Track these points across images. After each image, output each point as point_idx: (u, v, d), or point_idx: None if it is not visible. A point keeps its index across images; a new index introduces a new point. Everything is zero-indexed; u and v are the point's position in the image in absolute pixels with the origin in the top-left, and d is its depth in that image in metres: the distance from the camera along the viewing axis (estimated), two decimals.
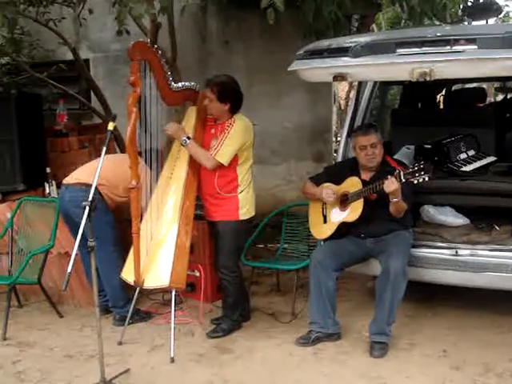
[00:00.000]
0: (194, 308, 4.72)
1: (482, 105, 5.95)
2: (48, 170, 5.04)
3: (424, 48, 3.40)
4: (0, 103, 4.89)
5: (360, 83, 4.71)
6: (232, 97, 4.09)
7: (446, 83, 6.31)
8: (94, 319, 4.57)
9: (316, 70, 3.61)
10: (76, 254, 3.30)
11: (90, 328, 4.50)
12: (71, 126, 5.48)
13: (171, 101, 4.10)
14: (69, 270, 3.21)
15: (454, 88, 6.77)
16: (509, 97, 7.26)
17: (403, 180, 3.70)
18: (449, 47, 3.35)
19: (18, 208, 4.83)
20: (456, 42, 3.33)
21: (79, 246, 4.57)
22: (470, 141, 4.95)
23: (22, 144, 4.87)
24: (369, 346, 3.93)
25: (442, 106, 6.79)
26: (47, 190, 4.97)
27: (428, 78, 3.24)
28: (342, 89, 10.51)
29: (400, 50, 3.44)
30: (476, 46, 3.30)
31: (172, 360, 3.89)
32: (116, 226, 4.47)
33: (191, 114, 4.27)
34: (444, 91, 6.69)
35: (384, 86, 6.53)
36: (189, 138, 4.05)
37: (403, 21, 6.54)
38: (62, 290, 3.28)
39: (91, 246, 3.35)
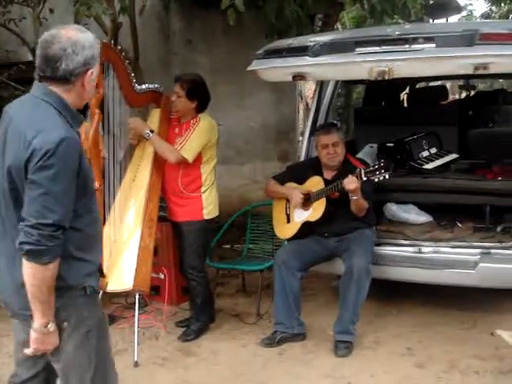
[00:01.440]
0: (159, 311, 4.66)
1: (444, 103, 6.00)
2: None
3: (383, 47, 3.41)
4: None
5: (322, 82, 4.71)
6: (201, 95, 4.07)
7: (410, 81, 6.36)
8: None
9: (275, 70, 3.60)
10: None
11: None
12: None
13: (135, 102, 4.04)
14: None
15: (417, 86, 6.82)
16: (471, 94, 7.34)
17: (364, 178, 3.72)
18: (407, 46, 3.37)
19: None
20: (414, 40, 3.35)
21: None
22: (433, 139, 4.99)
23: None
24: (333, 345, 3.94)
25: (405, 105, 6.84)
26: None
27: (386, 77, 3.25)
28: (309, 88, 10.52)
29: (359, 49, 3.45)
30: (434, 45, 3.32)
31: (136, 364, 3.84)
32: None
33: (155, 116, 4.21)
34: (408, 89, 6.73)
35: (348, 85, 6.58)
36: (152, 131, 4.00)
37: (368, 20, 6.56)
38: None
39: None
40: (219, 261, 5.27)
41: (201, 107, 4.11)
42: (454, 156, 4.92)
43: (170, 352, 4.04)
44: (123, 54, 3.88)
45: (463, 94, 9.42)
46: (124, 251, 3.97)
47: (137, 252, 3.91)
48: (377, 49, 3.42)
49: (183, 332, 4.25)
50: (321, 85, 4.72)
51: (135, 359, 3.85)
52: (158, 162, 4.12)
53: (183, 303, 4.77)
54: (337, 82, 4.79)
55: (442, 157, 4.90)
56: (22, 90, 5.65)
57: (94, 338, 2.20)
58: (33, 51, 5.44)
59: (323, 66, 3.50)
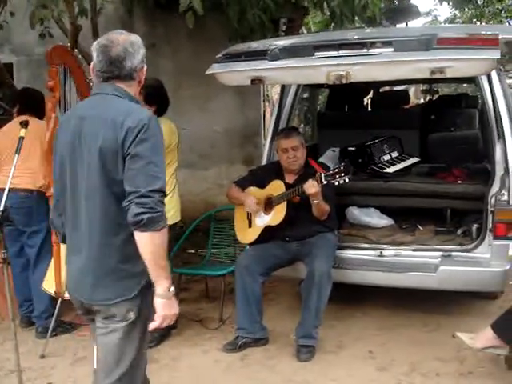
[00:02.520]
0: None
1: (407, 107, 6.05)
2: None
3: (341, 51, 3.41)
4: None
5: (283, 87, 4.71)
6: (158, 100, 4.02)
7: (373, 86, 6.40)
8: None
9: (233, 74, 3.58)
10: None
11: (12, 341, 4.32)
12: None
13: None
14: None
15: (380, 90, 6.87)
16: (434, 99, 7.42)
17: (324, 182, 3.72)
18: (365, 50, 3.37)
19: None
20: (372, 44, 3.35)
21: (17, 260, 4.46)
22: (394, 143, 5.03)
23: None
24: (296, 349, 3.93)
25: (369, 109, 6.88)
26: None
27: (344, 81, 3.24)
28: (275, 91, 10.54)
29: (318, 53, 3.44)
30: (392, 49, 3.32)
31: (95, 372, 3.78)
32: None
33: None
34: (371, 94, 6.77)
35: (313, 89, 6.59)
36: None
37: (331, 24, 6.59)
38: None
39: (3, 258, 3.22)
40: (183, 266, 5.22)
41: (160, 112, 4.05)
42: (415, 160, 4.96)
43: None
44: (79, 56, 3.84)
45: (428, 99, 9.54)
46: None
47: None
48: (335, 53, 3.41)
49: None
50: (282, 89, 4.72)
51: (95, 367, 3.79)
52: None
53: None
54: (298, 86, 4.78)
55: (404, 160, 4.94)
56: None
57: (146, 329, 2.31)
58: None
59: (281, 70, 3.48)
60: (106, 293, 2.23)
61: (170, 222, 4.00)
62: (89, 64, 3.89)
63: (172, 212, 4.08)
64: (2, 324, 4.67)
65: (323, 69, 3.29)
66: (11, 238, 4.18)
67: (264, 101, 7.88)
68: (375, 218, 4.56)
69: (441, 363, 3.78)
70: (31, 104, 4.43)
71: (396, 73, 3.43)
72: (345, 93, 5.69)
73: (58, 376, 3.76)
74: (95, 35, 5.58)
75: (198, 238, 5.62)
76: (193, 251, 5.92)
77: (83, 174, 2.21)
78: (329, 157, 4.96)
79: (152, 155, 2.12)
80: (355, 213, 4.58)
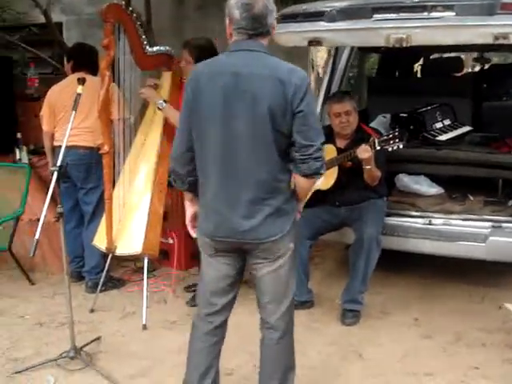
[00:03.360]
0: (167, 275, 4.69)
1: (459, 74, 5.92)
2: (19, 135, 4.92)
3: (401, 14, 3.35)
4: None
5: (336, 51, 4.65)
6: None
7: (424, 52, 6.27)
8: (65, 286, 4.61)
9: (291, 35, 3.54)
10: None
11: (62, 295, 4.41)
12: (43, 91, 5.33)
13: (145, 65, 3.98)
14: (36, 236, 3.16)
15: (431, 57, 6.73)
16: (486, 67, 7.23)
17: (377, 147, 3.69)
18: (426, 13, 3.30)
19: None
20: (433, 8, 3.28)
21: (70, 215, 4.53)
22: (446, 110, 4.93)
23: None
24: (341, 314, 3.95)
25: (419, 75, 6.75)
26: (17, 156, 4.86)
27: (404, 44, 3.19)
28: (320, 56, 10.36)
29: (376, 16, 3.39)
30: (454, 13, 3.24)
31: (144, 327, 3.87)
32: None
33: (165, 80, 4.17)
34: (421, 60, 6.63)
35: (362, 54, 6.49)
36: (165, 101, 3.97)
37: None
38: (29, 256, 3.20)
39: (60, 213, 3.29)
40: None
41: None
42: (467, 128, 4.87)
43: (178, 316, 4.07)
44: (134, 15, 3.83)
45: (477, 68, 9.30)
46: (133, 215, 3.99)
47: (146, 216, 3.93)
48: (394, 16, 3.36)
49: (192, 297, 4.26)
50: (335, 53, 4.66)
51: (143, 322, 3.88)
52: (169, 128, 4.08)
53: (191, 268, 4.79)
54: (351, 50, 4.72)
55: (456, 129, 4.86)
56: (34, 53, 5.63)
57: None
58: (45, 13, 5.38)
59: (340, 32, 3.44)
60: (270, 230, 2.45)
61: None
62: (140, 24, 3.93)
63: None
64: (51, 278, 4.81)
65: (383, 31, 3.24)
66: (66, 194, 4.28)
67: (312, 66, 7.77)
68: (425, 186, 4.51)
69: (486, 334, 3.76)
70: (87, 60, 4.44)
71: (458, 37, 3.36)
72: (396, 59, 5.59)
73: (106, 330, 3.85)
74: None
75: None
76: None
77: (243, 127, 2.35)
78: (379, 123, 4.90)
79: (314, 110, 2.43)
80: (405, 180, 4.54)
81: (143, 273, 4.73)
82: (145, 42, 3.92)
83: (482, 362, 3.42)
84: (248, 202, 2.43)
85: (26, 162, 4.83)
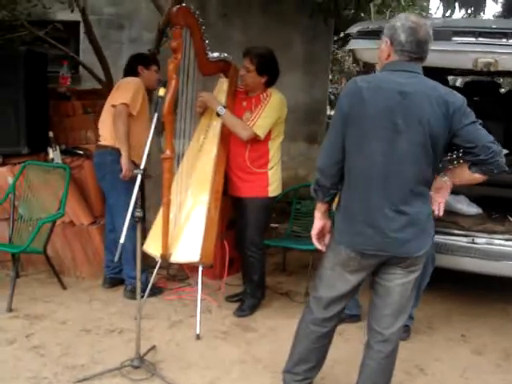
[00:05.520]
0: (205, 285, 4.60)
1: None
2: (51, 134, 4.77)
3: (480, 39, 3.41)
4: (7, 60, 4.54)
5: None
6: (271, 70, 4.01)
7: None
8: (100, 292, 4.51)
9: (374, 51, 3.55)
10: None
11: (98, 301, 4.35)
12: (72, 90, 5.20)
13: (207, 70, 3.96)
14: (121, 240, 3.08)
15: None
16: None
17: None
18: (505, 40, 3.37)
19: (21, 173, 4.56)
20: None
21: (107, 217, 4.43)
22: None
23: (28, 105, 4.56)
24: None
25: None
26: (50, 155, 4.69)
27: (492, 69, 3.26)
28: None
29: (456, 39, 3.44)
30: None
31: (198, 337, 3.80)
32: None
33: (222, 86, 4.14)
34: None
35: None
36: (225, 107, 3.94)
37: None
38: (114, 261, 3.11)
39: (139, 217, 3.20)
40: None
41: (270, 82, 4.06)
42: (504, 151, 4.97)
43: (228, 326, 4.02)
44: (200, 19, 3.79)
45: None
46: (190, 223, 3.91)
47: (204, 224, 3.87)
48: (474, 40, 3.42)
49: (238, 307, 4.22)
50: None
51: (197, 332, 3.81)
52: (225, 135, 4.05)
53: (226, 277, 4.73)
54: None
55: None
56: (60, 49, 5.48)
57: None
58: (82, 10, 5.24)
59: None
60: (419, 246, 2.59)
61: (274, 193, 4.09)
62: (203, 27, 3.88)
63: (276, 184, 4.11)
64: (82, 283, 4.68)
65: (472, 55, 3.29)
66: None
67: (331, 81, 7.85)
68: (465, 206, 4.59)
69: None
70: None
71: None
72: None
73: (158, 338, 3.76)
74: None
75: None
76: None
77: (404, 143, 2.45)
78: None
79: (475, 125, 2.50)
80: (449, 200, 4.59)
81: (178, 280, 4.70)
82: (208, 48, 3.90)
83: None
84: (402, 216, 2.52)
85: (60, 161, 4.68)
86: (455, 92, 2.51)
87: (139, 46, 6.50)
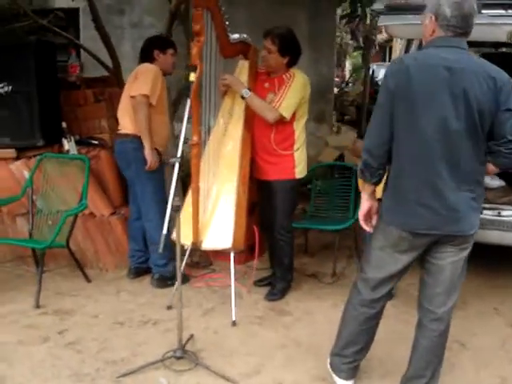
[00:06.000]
0: (227, 270, 4.56)
1: None
2: (64, 124, 4.66)
3: (510, 11, 3.37)
4: (17, 51, 4.41)
5: (408, 42, 4.62)
6: (293, 50, 3.94)
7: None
8: (126, 283, 4.45)
9: (407, 27, 3.51)
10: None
11: (126, 292, 4.29)
12: (81, 79, 5.08)
13: (228, 53, 3.89)
14: (164, 231, 3.01)
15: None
16: None
17: None
18: None
19: (38, 166, 4.46)
20: None
21: (131, 206, 4.35)
22: None
23: (40, 96, 4.44)
24: None
25: None
26: (66, 147, 4.59)
27: None
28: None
29: (485, 11, 3.39)
30: None
31: (234, 323, 3.76)
32: None
33: (243, 68, 4.07)
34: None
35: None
36: (249, 89, 3.86)
37: None
38: (158, 252, 3.04)
39: (177, 206, 3.14)
40: None
41: (292, 62, 3.98)
42: None
43: (262, 311, 3.98)
44: (220, 3, 3.71)
45: None
46: (220, 208, 3.85)
47: (234, 210, 3.81)
48: (503, 12, 3.38)
49: (269, 291, 4.18)
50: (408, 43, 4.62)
51: (233, 319, 3.77)
52: (249, 118, 3.98)
53: (249, 262, 4.70)
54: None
55: None
56: (65, 37, 5.35)
57: None
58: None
59: None
60: (468, 224, 2.56)
61: (300, 175, 4.03)
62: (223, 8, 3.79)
63: (302, 165, 4.05)
64: (105, 275, 4.62)
65: (504, 27, 3.25)
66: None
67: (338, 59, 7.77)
68: (489, 179, 4.57)
69: None
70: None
71: None
72: None
73: (195, 327, 3.71)
74: None
75: None
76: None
77: (454, 119, 2.40)
78: None
79: None
80: None
81: (201, 267, 4.66)
82: (228, 29, 3.82)
83: None
84: (455, 194, 2.48)
85: (75, 152, 4.58)
86: (501, 69, 2.46)
87: (141, 31, 6.39)
